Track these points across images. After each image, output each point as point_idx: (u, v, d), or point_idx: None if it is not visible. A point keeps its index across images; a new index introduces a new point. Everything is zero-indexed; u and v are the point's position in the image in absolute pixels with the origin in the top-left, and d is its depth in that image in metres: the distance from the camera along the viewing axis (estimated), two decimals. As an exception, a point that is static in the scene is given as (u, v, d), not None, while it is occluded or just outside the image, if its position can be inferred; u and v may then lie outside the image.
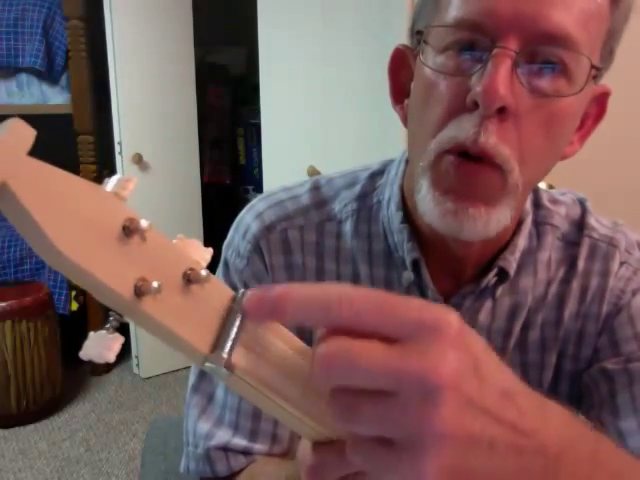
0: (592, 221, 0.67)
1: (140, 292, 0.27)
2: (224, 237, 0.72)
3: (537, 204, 0.67)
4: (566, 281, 0.66)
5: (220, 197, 3.43)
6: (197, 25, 2.77)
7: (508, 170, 0.52)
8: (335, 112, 1.99)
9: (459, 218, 0.53)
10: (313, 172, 2.00)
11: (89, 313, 2.75)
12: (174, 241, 0.31)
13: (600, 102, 0.60)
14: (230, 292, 0.32)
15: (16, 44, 2.56)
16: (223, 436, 0.66)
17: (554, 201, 0.68)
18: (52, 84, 2.65)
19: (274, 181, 2.17)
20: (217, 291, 0.31)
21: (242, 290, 0.32)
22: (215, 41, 3.50)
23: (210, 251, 0.32)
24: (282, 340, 0.34)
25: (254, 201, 0.70)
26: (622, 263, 0.65)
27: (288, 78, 2.09)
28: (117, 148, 2.60)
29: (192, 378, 0.70)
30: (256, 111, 2.36)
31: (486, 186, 0.53)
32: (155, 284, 0.28)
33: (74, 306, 2.69)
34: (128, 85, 2.56)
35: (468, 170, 0.53)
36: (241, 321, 0.31)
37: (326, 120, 2.03)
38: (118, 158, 2.60)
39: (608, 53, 0.56)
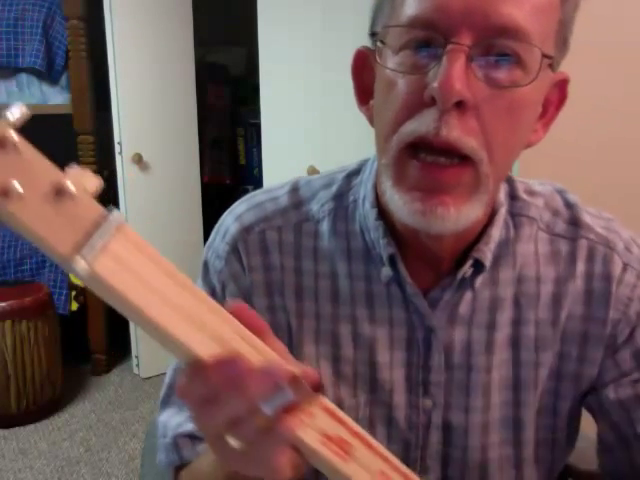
0: (586, 218, 0.67)
1: (4, 192, 0.31)
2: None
3: (513, 195, 0.67)
4: (561, 280, 0.66)
5: (220, 197, 3.42)
6: (197, 25, 2.76)
7: (478, 160, 0.53)
8: (335, 112, 1.99)
9: (427, 218, 0.54)
10: (313, 172, 2.00)
11: (89, 313, 2.75)
12: (66, 169, 0.34)
13: (561, 88, 0.61)
14: (101, 209, 0.34)
15: (16, 44, 2.56)
16: (191, 425, 0.67)
17: (531, 192, 0.68)
18: (52, 84, 2.65)
19: (274, 181, 2.15)
20: (87, 206, 0.34)
21: (111, 207, 0.35)
22: (215, 41, 3.50)
23: (98, 181, 0.35)
24: (153, 260, 0.36)
25: (235, 204, 0.71)
26: (625, 265, 0.65)
27: (288, 78, 2.09)
28: (117, 148, 2.60)
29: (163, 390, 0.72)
30: (256, 111, 2.35)
31: (456, 184, 0.54)
32: (16, 184, 0.31)
33: (74, 306, 2.69)
34: (128, 85, 2.56)
35: (434, 174, 0.54)
36: (109, 235, 0.34)
37: (326, 120, 2.02)
38: (118, 158, 2.60)
39: (562, 42, 0.57)
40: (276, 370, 0.40)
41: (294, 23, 2.04)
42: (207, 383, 0.40)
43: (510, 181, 0.68)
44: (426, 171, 0.54)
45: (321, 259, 0.67)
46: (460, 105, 0.51)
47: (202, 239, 2.83)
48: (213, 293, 0.69)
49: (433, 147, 0.53)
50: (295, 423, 0.41)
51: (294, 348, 0.67)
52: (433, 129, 0.52)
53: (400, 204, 0.55)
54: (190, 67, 2.77)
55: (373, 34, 0.59)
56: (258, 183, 3.19)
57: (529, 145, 0.60)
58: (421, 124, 0.53)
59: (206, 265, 0.70)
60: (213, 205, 3.19)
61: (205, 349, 0.39)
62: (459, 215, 0.54)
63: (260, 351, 0.41)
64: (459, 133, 0.52)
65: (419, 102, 0.53)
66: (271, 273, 0.67)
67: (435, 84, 0.51)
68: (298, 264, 0.67)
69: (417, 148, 0.54)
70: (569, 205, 0.68)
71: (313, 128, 2.06)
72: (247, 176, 3.52)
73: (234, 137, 3.56)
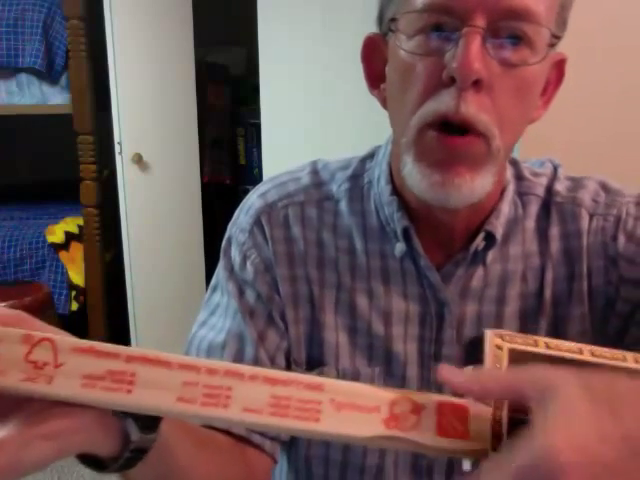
0: (557, 186, 0.70)
1: None
2: (224, 237, 0.73)
3: (519, 176, 0.71)
4: (543, 249, 0.69)
5: (220, 197, 3.42)
6: (197, 25, 2.76)
7: (491, 136, 0.57)
8: (335, 112, 1.99)
9: (446, 189, 0.57)
10: (313, 172, 2.00)
11: (89, 313, 2.75)
12: None
13: (559, 68, 0.65)
14: None
15: (16, 44, 2.55)
16: None
17: (535, 174, 0.72)
18: (52, 84, 2.64)
19: (274, 181, 2.16)
20: None
21: None
22: (215, 41, 3.49)
23: None
24: None
25: (259, 184, 0.76)
26: (591, 216, 0.68)
27: (288, 78, 2.09)
28: (117, 148, 2.60)
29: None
30: (256, 111, 2.35)
31: (470, 154, 0.57)
32: None
33: (74, 306, 2.69)
34: (128, 85, 2.56)
35: (451, 142, 0.57)
36: None
37: (326, 120, 2.03)
38: (118, 158, 2.60)
39: (562, 23, 0.60)
40: None
41: (294, 23, 2.04)
42: None
43: (515, 164, 0.72)
44: (443, 142, 0.57)
45: (340, 235, 0.70)
46: (477, 83, 0.55)
47: (202, 239, 2.82)
48: (232, 268, 0.71)
49: (451, 125, 0.56)
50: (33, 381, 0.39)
51: (316, 317, 0.69)
52: (453, 107, 0.55)
53: (419, 178, 0.59)
54: (190, 67, 2.76)
55: (391, 20, 0.61)
56: (258, 183, 3.18)
57: (532, 121, 0.64)
58: (441, 103, 0.56)
59: (229, 240, 0.73)
60: (213, 205, 3.19)
61: None
62: (474, 185, 0.58)
63: None
64: (475, 109, 0.55)
65: (437, 82, 0.56)
66: (293, 245, 0.70)
67: (455, 64, 0.54)
68: (320, 236, 0.70)
69: (436, 126, 0.57)
70: (552, 180, 0.72)
71: (313, 128, 2.06)
72: (247, 176, 3.52)
73: (234, 137, 3.56)
